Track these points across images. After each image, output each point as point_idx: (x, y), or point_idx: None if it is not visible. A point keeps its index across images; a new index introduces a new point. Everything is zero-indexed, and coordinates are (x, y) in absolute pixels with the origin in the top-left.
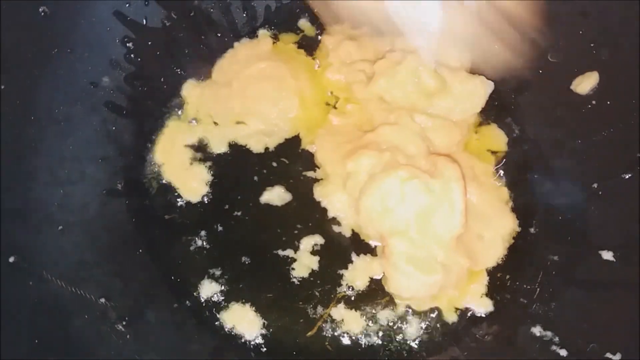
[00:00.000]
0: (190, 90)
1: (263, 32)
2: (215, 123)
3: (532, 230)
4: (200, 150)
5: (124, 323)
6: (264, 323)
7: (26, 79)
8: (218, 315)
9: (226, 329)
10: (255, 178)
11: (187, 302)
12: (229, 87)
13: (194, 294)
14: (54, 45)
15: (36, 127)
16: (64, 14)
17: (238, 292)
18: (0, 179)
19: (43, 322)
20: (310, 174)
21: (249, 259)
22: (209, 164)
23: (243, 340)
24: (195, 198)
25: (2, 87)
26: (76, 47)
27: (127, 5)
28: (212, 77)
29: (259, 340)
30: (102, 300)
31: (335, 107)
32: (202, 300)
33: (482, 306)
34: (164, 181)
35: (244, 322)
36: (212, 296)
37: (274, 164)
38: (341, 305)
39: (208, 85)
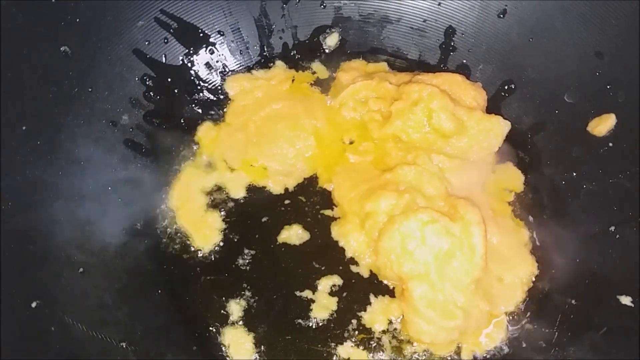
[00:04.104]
0: (206, 132)
1: (279, 63)
2: (229, 167)
3: (550, 273)
4: (217, 194)
5: None
6: None
7: (48, 119)
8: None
9: None
10: (273, 217)
11: (206, 344)
12: (244, 130)
13: (213, 336)
14: (74, 85)
15: (57, 167)
16: (85, 54)
17: (257, 335)
18: (25, 225)
19: None
20: (327, 212)
21: (268, 301)
22: (225, 206)
23: None
24: (207, 247)
25: (24, 128)
26: (96, 86)
27: (147, 43)
28: (227, 119)
29: None
30: (123, 344)
31: (351, 144)
32: (221, 342)
33: None
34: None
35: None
36: (231, 338)
37: (291, 203)
38: (359, 348)
39: (223, 128)
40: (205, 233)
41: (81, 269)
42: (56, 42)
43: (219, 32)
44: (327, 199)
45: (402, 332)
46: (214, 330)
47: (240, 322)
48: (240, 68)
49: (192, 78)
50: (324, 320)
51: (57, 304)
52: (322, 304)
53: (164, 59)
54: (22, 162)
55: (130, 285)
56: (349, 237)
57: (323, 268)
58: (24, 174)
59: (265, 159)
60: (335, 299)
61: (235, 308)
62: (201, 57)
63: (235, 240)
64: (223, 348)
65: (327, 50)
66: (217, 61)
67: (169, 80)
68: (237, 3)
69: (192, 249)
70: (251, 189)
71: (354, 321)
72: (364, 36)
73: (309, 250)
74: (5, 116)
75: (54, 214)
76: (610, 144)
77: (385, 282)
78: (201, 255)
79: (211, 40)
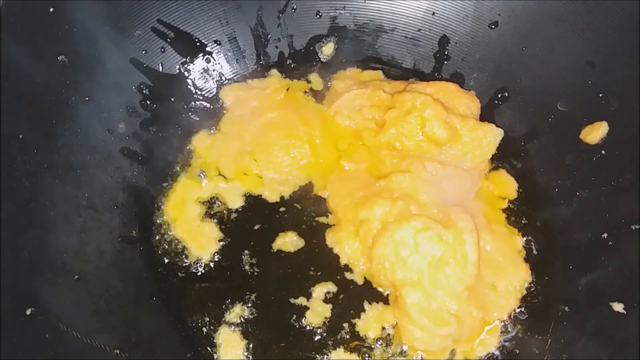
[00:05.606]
0: (201, 141)
1: (275, 72)
2: (224, 176)
3: (544, 280)
4: (213, 203)
5: None
6: None
7: (45, 127)
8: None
9: None
10: (268, 224)
11: (200, 351)
12: (239, 138)
13: (207, 343)
14: (72, 94)
15: (53, 175)
16: (82, 63)
17: (251, 341)
18: (21, 232)
19: None
20: (322, 219)
21: (263, 307)
22: (220, 215)
23: None
24: (203, 256)
25: (21, 136)
26: (94, 94)
27: (144, 52)
28: (222, 128)
29: None
30: (117, 351)
31: (346, 152)
32: (216, 349)
33: None
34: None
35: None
36: (226, 345)
37: (287, 210)
38: (352, 354)
39: (218, 136)
40: (201, 242)
41: (76, 276)
42: (54, 52)
43: (215, 41)
44: (322, 206)
45: (396, 339)
46: (209, 337)
47: (235, 329)
48: (237, 77)
49: (189, 87)
50: (318, 326)
51: (51, 311)
52: (316, 311)
53: (160, 67)
54: (19, 170)
55: (125, 293)
56: (344, 244)
57: (318, 274)
58: (21, 182)
59: (260, 167)
60: (330, 305)
61: (230, 315)
62: (198, 66)
63: (231, 248)
64: (217, 355)
65: (322, 59)
66: (213, 70)
67: (166, 88)
68: (233, 12)
69: (188, 256)
70: (247, 198)
71: (348, 328)
72: (359, 45)
73: (303, 257)
74: (2, 124)
75: (50, 222)
76: (603, 152)
77: (379, 289)
78: (196, 262)
79: (208, 49)
